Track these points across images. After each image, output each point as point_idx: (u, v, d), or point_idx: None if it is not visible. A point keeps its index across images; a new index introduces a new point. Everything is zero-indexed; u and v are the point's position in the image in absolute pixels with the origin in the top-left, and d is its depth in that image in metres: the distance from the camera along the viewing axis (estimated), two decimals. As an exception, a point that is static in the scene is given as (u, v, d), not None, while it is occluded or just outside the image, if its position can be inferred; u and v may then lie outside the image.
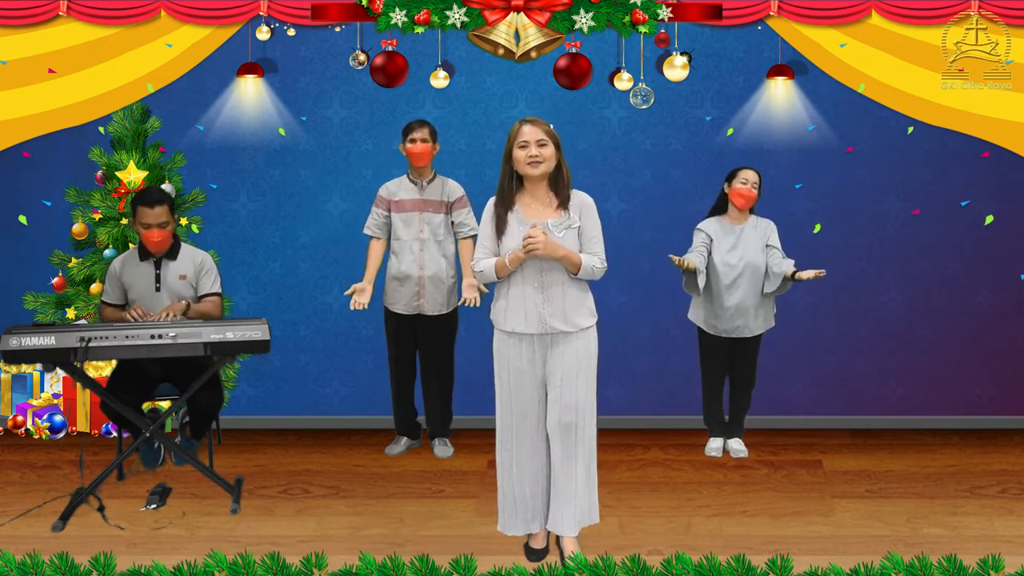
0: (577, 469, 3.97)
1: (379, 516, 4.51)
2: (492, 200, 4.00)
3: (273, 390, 5.90)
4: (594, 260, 3.93)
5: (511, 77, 5.68)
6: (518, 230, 3.91)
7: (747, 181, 5.04)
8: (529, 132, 3.87)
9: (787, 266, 5.00)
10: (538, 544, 4.10)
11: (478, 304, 5.12)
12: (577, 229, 3.93)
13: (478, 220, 5.23)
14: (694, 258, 5.00)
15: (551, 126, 3.92)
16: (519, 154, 3.88)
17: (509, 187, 3.95)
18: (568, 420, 3.94)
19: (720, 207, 5.18)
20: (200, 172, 5.72)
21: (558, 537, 4.09)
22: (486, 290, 5.03)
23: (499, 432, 4.06)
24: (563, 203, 3.94)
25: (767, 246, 5.08)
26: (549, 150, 3.88)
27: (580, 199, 3.98)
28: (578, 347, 3.94)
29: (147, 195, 4.75)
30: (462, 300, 5.15)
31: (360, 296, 5.05)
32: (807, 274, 4.87)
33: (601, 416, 4.09)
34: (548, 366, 3.96)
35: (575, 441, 3.96)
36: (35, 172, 5.76)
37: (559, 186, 3.94)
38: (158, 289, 4.78)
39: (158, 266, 4.79)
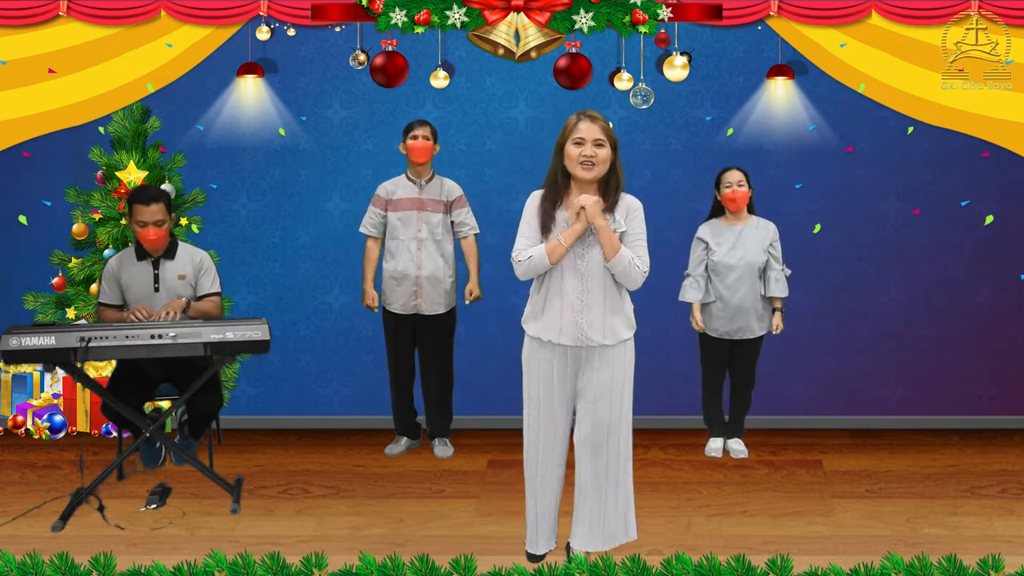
0: (606, 488, 3.82)
1: (379, 516, 4.51)
2: (537, 194, 3.75)
3: (273, 390, 5.90)
4: (632, 256, 3.69)
5: (511, 77, 5.68)
6: (565, 228, 3.69)
7: (731, 184, 5.05)
8: (586, 129, 3.62)
9: (777, 291, 5.10)
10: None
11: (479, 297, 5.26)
12: (622, 234, 3.70)
13: (477, 220, 5.26)
14: (694, 297, 5.12)
15: (610, 124, 3.68)
16: (572, 151, 3.62)
17: (560, 183, 3.69)
18: (598, 439, 3.77)
19: (717, 212, 5.19)
20: (200, 172, 5.72)
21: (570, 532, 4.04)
22: (479, 295, 5.28)
23: (527, 446, 3.88)
24: (611, 207, 3.68)
25: (768, 251, 5.09)
26: (605, 151, 3.63)
27: (627, 203, 3.74)
28: (614, 362, 3.76)
29: (143, 192, 4.73)
30: (472, 298, 5.24)
31: (370, 301, 5.24)
32: (776, 324, 5.16)
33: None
34: (581, 381, 3.78)
35: (606, 458, 3.79)
36: (35, 172, 5.76)
37: (610, 189, 3.68)
38: (157, 289, 4.77)
39: (156, 266, 4.78)
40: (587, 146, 3.62)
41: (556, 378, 3.77)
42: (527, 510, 3.97)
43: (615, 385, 3.77)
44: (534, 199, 3.76)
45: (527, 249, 3.70)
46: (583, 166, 3.64)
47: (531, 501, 3.95)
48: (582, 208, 3.62)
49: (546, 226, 3.69)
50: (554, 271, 3.71)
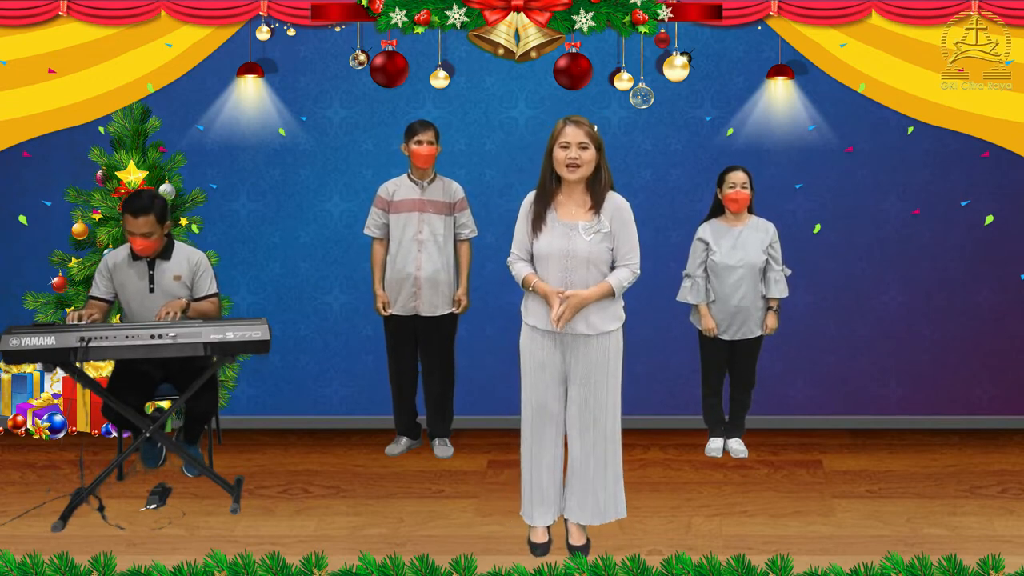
0: (595, 467, 4.02)
1: (379, 516, 4.51)
2: (530, 195, 3.99)
3: (273, 390, 5.90)
4: (623, 275, 3.93)
5: (511, 77, 5.68)
6: (552, 230, 3.91)
7: (735, 184, 5.04)
8: (571, 133, 3.84)
9: (777, 292, 5.11)
10: (539, 539, 4.11)
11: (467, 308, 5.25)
12: (606, 235, 3.90)
13: (476, 221, 5.26)
14: (692, 299, 5.15)
15: (595, 127, 3.89)
16: (559, 154, 3.86)
17: (549, 185, 3.93)
18: (586, 421, 3.99)
19: (717, 210, 5.18)
20: (200, 172, 5.72)
21: (566, 530, 4.14)
22: (467, 304, 5.26)
23: (523, 424, 4.10)
24: (596, 206, 3.90)
25: (767, 252, 5.09)
26: (589, 153, 3.85)
27: (614, 203, 3.94)
28: (599, 349, 3.95)
29: (133, 203, 4.61)
30: (460, 308, 5.20)
31: (381, 305, 5.20)
32: (769, 324, 5.16)
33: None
34: (569, 366, 3.99)
35: (592, 440, 4.00)
36: (35, 172, 5.76)
37: (596, 189, 3.91)
38: (152, 290, 4.76)
39: (151, 266, 4.77)
40: (572, 149, 3.86)
41: (547, 359, 3.99)
42: (522, 481, 4.15)
43: (599, 370, 3.98)
44: (527, 202, 4.01)
45: (516, 262, 4.01)
46: (568, 168, 3.86)
47: (526, 474, 4.13)
48: (556, 315, 3.85)
49: (536, 227, 3.94)
50: (541, 266, 3.95)
